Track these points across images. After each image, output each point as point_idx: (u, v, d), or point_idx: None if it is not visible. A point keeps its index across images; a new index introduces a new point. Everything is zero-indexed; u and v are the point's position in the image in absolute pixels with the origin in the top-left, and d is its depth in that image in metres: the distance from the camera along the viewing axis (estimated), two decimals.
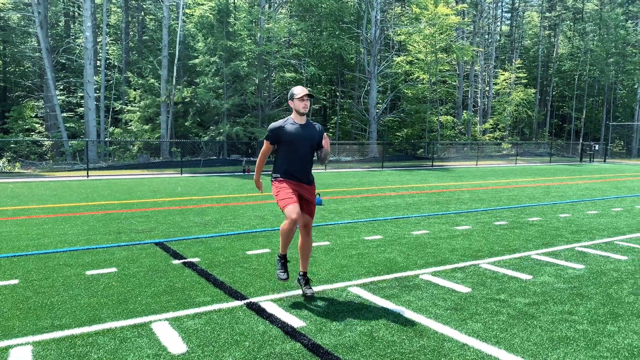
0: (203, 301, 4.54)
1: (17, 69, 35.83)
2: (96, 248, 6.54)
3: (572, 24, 57.84)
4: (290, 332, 3.86)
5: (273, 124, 4.48)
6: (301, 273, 4.68)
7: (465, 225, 8.53)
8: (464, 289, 5.01)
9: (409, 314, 4.30)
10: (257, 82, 30.67)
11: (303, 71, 32.63)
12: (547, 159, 34.40)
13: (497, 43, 57.52)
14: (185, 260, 5.96)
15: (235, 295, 4.73)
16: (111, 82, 31.25)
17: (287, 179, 4.46)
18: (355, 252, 6.50)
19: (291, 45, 35.44)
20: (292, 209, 4.25)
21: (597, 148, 32.64)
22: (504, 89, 44.84)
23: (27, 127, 29.61)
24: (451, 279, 5.36)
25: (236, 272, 5.52)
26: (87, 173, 17.95)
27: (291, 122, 4.51)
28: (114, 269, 5.57)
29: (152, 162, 25.37)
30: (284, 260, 4.60)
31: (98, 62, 33.39)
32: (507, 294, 4.85)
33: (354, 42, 33.92)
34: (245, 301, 4.56)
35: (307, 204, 4.57)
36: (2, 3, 33.04)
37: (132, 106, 30.84)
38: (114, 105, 31.31)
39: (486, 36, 46.36)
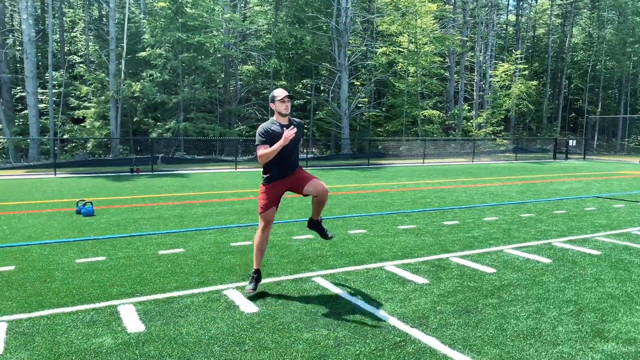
0: None
1: None
2: None
3: (588, 12, 53.81)
4: None
5: (261, 128, 4.62)
6: (314, 220, 5.07)
7: (237, 241, 6.61)
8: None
9: None
10: (209, 75, 29.03)
11: (264, 64, 30.83)
12: (544, 156, 31.43)
13: (504, 33, 54.25)
14: None
15: None
16: (63, 78, 30.13)
17: (272, 181, 4.72)
18: (91, 275, 4.72)
19: (258, 37, 33.64)
20: (265, 215, 4.73)
21: (573, 144, 29.52)
22: (503, 81, 41.71)
23: None
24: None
25: None
26: None
27: (275, 123, 4.70)
28: None
29: (89, 160, 24.02)
30: (257, 275, 4.78)
31: (81, 56, 32.57)
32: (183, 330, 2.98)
33: (322, 33, 31.79)
34: None
35: (304, 180, 4.73)
36: None
37: (88, 102, 29.72)
38: (70, 101, 30.28)
39: (487, 25, 43.20)
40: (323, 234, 5.11)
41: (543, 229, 8.02)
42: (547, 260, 6.09)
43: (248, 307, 4.44)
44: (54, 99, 30.11)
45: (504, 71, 40.95)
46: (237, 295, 4.75)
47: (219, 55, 30.30)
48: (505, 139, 36.90)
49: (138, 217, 8.84)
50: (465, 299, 4.70)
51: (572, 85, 53.75)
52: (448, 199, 11.44)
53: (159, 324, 4.03)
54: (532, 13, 54.21)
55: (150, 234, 7.38)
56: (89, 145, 29.36)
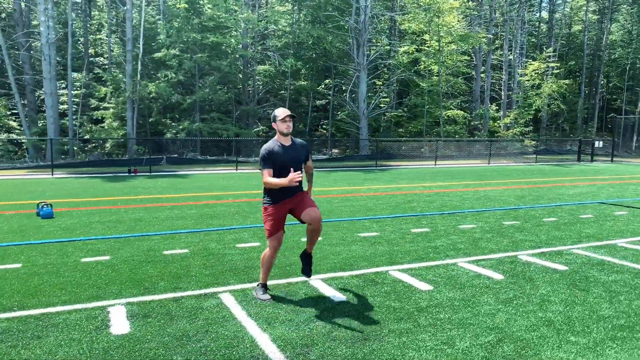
0: None
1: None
2: None
3: (628, 7, 51.31)
4: None
5: (264, 151, 4.51)
6: (307, 253, 4.86)
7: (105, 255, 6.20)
8: None
9: None
10: (224, 75, 28.85)
11: (279, 64, 30.46)
12: (569, 158, 29.86)
13: (536, 31, 52.38)
14: None
15: None
16: (85, 80, 30.52)
17: (276, 202, 4.56)
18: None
19: (278, 37, 33.33)
20: (274, 238, 4.58)
21: (600, 145, 27.87)
22: (533, 80, 40.04)
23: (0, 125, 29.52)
24: None
25: None
26: None
27: (277, 144, 4.58)
28: None
29: (96, 160, 24.16)
30: (264, 288, 4.75)
31: (110, 58, 33.06)
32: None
33: (340, 32, 31.18)
34: None
35: (304, 205, 4.58)
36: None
37: (108, 103, 30.02)
38: (91, 102, 30.63)
39: (516, 22, 41.58)
40: (306, 268, 4.88)
41: (519, 239, 7.28)
42: (499, 277, 5.40)
43: (120, 327, 3.97)
44: (77, 100, 30.61)
45: (534, 70, 39.31)
46: (119, 312, 4.28)
47: (237, 55, 30.09)
48: (533, 140, 35.37)
49: (96, 220, 8.52)
50: (373, 323, 4.10)
51: (610, 85, 51.42)
52: (436, 203, 10.73)
53: (5, 347, 3.60)
54: (566, 9, 52.13)
55: (89, 239, 7.02)
56: (108, 145, 29.62)
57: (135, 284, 5.05)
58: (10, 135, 29.97)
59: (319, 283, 5.14)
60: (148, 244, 6.80)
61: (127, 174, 17.16)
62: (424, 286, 5.07)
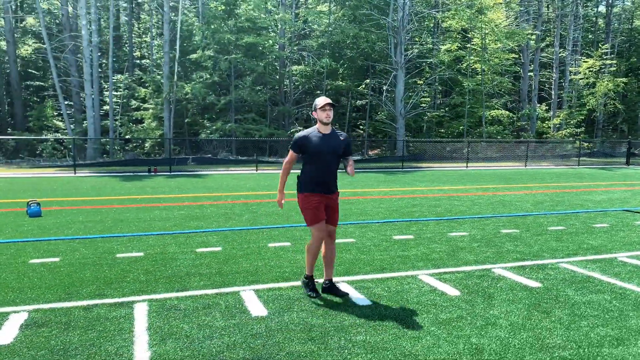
0: None
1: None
2: None
3: None
4: None
5: (298, 135, 4.63)
6: (327, 281, 4.77)
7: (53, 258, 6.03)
8: None
9: None
10: (258, 76, 28.84)
11: (313, 63, 30.14)
12: (617, 161, 28.05)
13: (593, 27, 49.60)
14: None
15: None
16: (128, 81, 31.32)
17: (312, 191, 4.55)
18: None
19: (316, 36, 33.07)
20: (319, 228, 4.49)
21: None
22: (587, 78, 37.88)
23: (48, 125, 30.76)
24: None
25: None
26: None
27: (315, 132, 4.62)
28: None
29: (128, 159, 24.67)
30: (310, 281, 4.71)
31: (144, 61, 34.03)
32: None
33: (378, 31, 30.55)
34: None
35: (332, 213, 4.66)
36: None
37: (148, 104, 30.71)
38: (132, 103, 31.42)
39: (569, 17, 39.45)
40: (337, 292, 4.82)
41: (506, 249, 6.62)
42: (455, 293, 4.84)
43: (4, 338, 3.74)
44: (119, 100, 31.50)
45: (588, 67, 37.17)
46: (17, 320, 4.06)
47: (274, 56, 30.07)
48: (582, 142, 33.40)
49: (79, 219, 8.48)
50: (277, 343, 3.67)
51: None
52: (441, 208, 10.09)
53: None
54: (627, 4, 49.08)
55: (56, 239, 6.93)
56: (147, 145, 30.31)
57: (61, 289, 4.84)
58: (57, 135, 31.16)
59: (249, 295, 4.75)
60: (109, 245, 6.63)
61: (146, 174, 17.33)
62: (362, 301, 4.58)
